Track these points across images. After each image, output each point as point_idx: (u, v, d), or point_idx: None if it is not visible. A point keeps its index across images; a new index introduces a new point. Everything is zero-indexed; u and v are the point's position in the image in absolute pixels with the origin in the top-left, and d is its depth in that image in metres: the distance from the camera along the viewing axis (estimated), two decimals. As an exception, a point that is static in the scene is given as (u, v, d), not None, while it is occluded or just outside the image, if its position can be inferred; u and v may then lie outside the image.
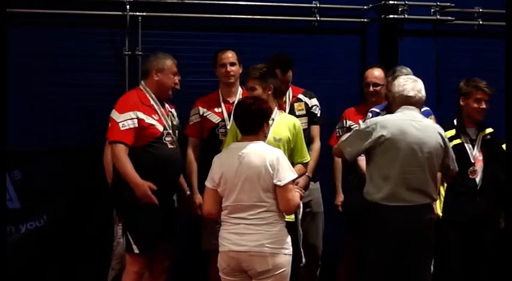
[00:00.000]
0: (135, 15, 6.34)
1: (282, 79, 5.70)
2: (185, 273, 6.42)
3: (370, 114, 5.80)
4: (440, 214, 5.82)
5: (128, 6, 6.31)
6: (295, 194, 4.85)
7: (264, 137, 4.93)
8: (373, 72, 6.27)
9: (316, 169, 5.94)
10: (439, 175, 5.49)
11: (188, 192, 5.83)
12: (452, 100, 6.16)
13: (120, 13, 6.33)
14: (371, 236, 5.22)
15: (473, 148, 5.90)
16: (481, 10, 7.15)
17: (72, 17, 6.27)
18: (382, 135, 5.12)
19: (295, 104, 6.06)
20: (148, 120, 5.43)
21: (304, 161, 5.41)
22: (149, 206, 5.32)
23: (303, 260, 5.34)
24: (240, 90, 6.02)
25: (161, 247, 5.57)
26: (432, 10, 6.92)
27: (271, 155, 4.76)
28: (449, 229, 5.77)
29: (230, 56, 5.99)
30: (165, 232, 5.51)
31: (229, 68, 5.96)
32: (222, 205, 4.84)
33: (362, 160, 5.53)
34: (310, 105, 6.11)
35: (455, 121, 5.97)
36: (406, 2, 6.80)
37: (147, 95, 5.54)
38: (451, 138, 5.71)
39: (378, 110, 5.84)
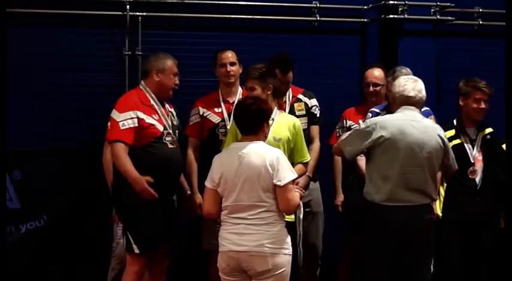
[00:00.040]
0: (135, 15, 6.34)
1: (282, 80, 5.70)
2: (185, 273, 6.42)
3: (370, 115, 5.80)
4: (440, 214, 5.81)
5: (128, 6, 6.31)
6: (295, 194, 4.85)
7: (264, 137, 4.93)
8: (373, 72, 6.27)
9: (316, 169, 5.94)
10: (439, 175, 5.49)
11: (189, 192, 5.83)
12: (452, 100, 6.16)
13: (120, 13, 6.33)
14: (371, 236, 5.23)
15: (473, 148, 5.90)
16: (481, 10, 7.15)
17: (72, 17, 6.27)
18: (382, 136, 5.12)
19: (295, 104, 6.06)
20: (149, 120, 5.43)
21: (305, 161, 5.40)
22: (149, 206, 5.32)
23: (301, 261, 5.33)
24: (240, 90, 6.02)
25: (161, 247, 5.57)
26: (432, 10, 6.92)
27: (271, 155, 4.76)
28: (449, 229, 5.77)
29: (230, 55, 5.99)
30: (165, 232, 5.51)
31: (229, 67, 5.96)
32: (222, 205, 4.84)
33: (362, 160, 5.54)
34: (310, 106, 6.11)
35: (454, 121, 5.96)
36: (406, 2, 6.80)
37: (147, 95, 5.54)
38: (450, 139, 5.70)
39: (377, 110, 5.84)
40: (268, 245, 4.70)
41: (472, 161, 5.87)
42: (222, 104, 5.99)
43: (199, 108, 5.99)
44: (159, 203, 5.38)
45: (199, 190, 5.74)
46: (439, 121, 5.72)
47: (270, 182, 4.72)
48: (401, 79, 5.36)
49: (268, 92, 5.28)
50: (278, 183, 4.71)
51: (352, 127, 5.95)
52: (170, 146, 5.50)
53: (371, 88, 6.24)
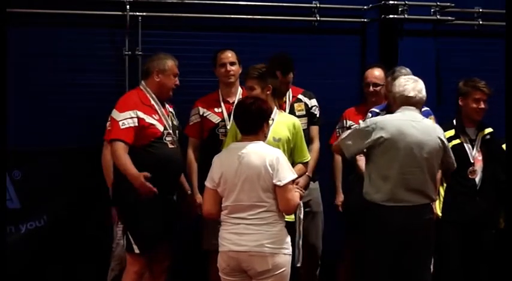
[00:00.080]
0: (135, 15, 6.34)
1: (282, 80, 5.70)
2: (185, 273, 6.42)
3: (369, 115, 5.81)
4: (440, 214, 5.82)
5: (128, 6, 6.30)
6: (295, 194, 4.85)
7: (263, 137, 4.93)
8: (373, 72, 6.28)
9: (315, 169, 5.94)
10: (439, 175, 5.50)
11: (189, 191, 5.84)
12: (452, 100, 6.16)
13: (120, 13, 6.33)
14: (371, 236, 5.23)
15: (473, 148, 5.90)
16: (481, 10, 7.15)
17: (72, 17, 6.27)
18: (382, 136, 5.12)
19: (295, 105, 6.06)
20: (149, 120, 5.43)
21: (305, 161, 5.40)
22: (150, 206, 5.32)
23: (299, 262, 5.33)
24: (240, 90, 6.02)
25: (161, 247, 5.57)
26: (432, 10, 6.91)
27: (271, 155, 4.76)
28: (448, 229, 5.77)
29: (230, 55, 5.99)
30: (165, 232, 5.52)
31: (229, 67, 5.96)
32: (222, 205, 4.84)
33: (361, 160, 5.54)
34: (310, 106, 6.11)
35: (454, 121, 5.97)
36: (406, 2, 6.79)
37: (148, 95, 5.55)
38: (450, 139, 5.70)
39: (377, 110, 5.84)
40: (268, 245, 4.70)
41: (472, 161, 5.87)
42: (222, 104, 5.99)
43: (199, 108, 5.99)
44: (159, 203, 5.38)
45: (199, 190, 5.74)
46: (439, 121, 5.72)
47: (269, 182, 4.72)
48: (401, 79, 5.36)
49: (268, 92, 5.28)
50: (278, 183, 4.72)
51: (352, 127, 5.94)
52: (170, 146, 5.50)
53: (371, 88, 6.24)
